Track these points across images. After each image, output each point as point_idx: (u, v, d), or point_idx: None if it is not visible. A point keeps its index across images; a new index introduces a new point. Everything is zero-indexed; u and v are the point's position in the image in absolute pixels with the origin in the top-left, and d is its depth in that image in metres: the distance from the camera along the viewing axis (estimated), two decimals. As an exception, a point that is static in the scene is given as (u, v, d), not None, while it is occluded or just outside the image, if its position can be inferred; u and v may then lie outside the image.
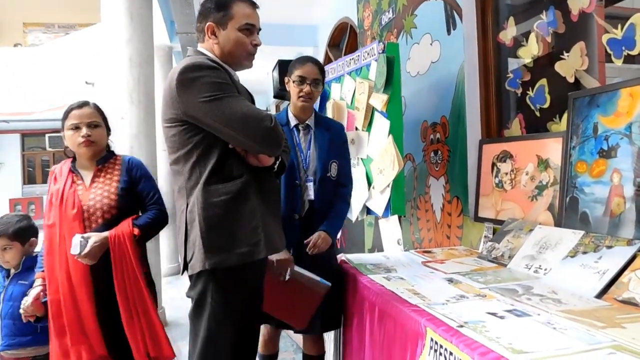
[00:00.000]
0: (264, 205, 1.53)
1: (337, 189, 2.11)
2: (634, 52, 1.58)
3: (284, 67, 6.32)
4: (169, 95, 1.45)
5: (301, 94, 2.05)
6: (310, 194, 2.03)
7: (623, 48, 1.62)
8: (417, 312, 1.27)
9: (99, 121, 1.91)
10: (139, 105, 3.21)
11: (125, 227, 1.81)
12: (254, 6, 1.61)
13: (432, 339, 1.14)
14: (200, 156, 1.46)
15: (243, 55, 1.58)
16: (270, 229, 1.52)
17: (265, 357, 2.18)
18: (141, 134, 3.31)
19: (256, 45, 1.59)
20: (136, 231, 1.81)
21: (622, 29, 1.61)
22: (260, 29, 1.62)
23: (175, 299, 4.37)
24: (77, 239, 1.72)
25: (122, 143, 3.24)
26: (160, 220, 1.94)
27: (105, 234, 1.76)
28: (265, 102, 10.06)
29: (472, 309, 1.27)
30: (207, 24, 1.55)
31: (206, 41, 1.57)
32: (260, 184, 1.53)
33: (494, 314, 1.22)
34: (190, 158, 1.46)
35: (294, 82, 2.08)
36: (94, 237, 1.74)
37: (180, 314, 3.96)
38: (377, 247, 3.24)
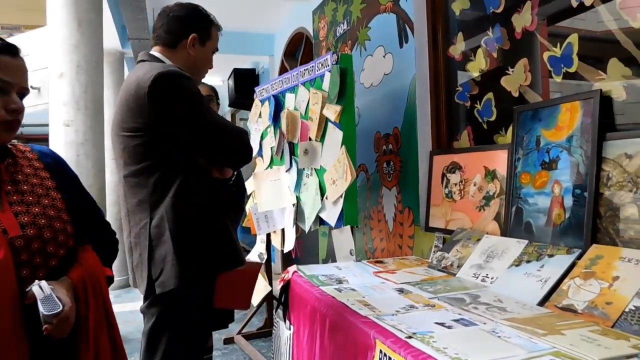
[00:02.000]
0: (229, 217, 1.54)
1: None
2: (571, 70, 1.66)
3: (239, 75, 6.30)
4: (135, 103, 1.39)
5: None
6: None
7: (562, 65, 1.69)
8: (367, 323, 1.27)
9: (27, 86, 1.11)
10: (86, 112, 3.09)
11: (93, 264, 1.12)
12: (221, 32, 1.71)
13: (381, 351, 1.14)
14: (168, 169, 1.41)
15: (203, 75, 1.67)
16: (236, 240, 1.55)
17: None
18: (88, 142, 3.18)
19: (210, 69, 1.69)
20: (109, 271, 1.19)
21: (561, 47, 1.69)
22: None
23: (124, 312, 4.20)
24: (37, 288, 0.96)
25: (69, 151, 3.10)
26: (116, 251, 1.30)
27: (66, 281, 1.04)
28: (220, 110, 9.94)
29: (421, 319, 1.28)
30: (192, 34, 1.56)
31: (179, 48, 1.57)
32: (223, 198, 1.54)
33: (442, 324, 1.24)
34: (156, 171, 1.41)
35: None
36: (57, 287, 1.00)
37: (130, 328, 3.80)
38: (331, 257, 3.24)
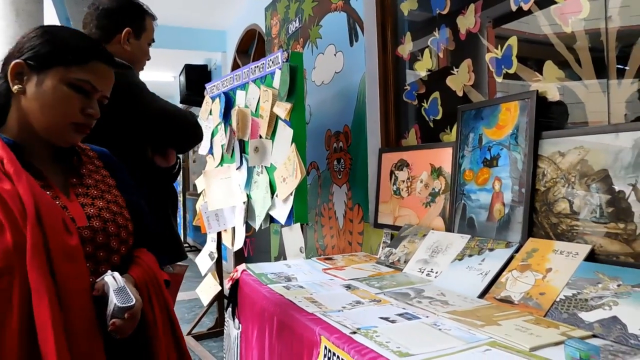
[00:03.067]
0: (170, 209, 1.57)
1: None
2: (511, 71, 1.73)
3: (191, 71, 6.17)
4: None
5: None
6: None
7: (502, 66, 1.76)
8: (313, 320, 1.27)
9: (108, 96, 1.07)
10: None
11: (153, 265, 1.05)
12: (156, 22, 1.67)
13: (325, 347, 1.14)
14: None
15: (142, 67, 1.64)
16: (176, 231, 1.60)
17: None
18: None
19: (148, 60, 1.66)
20: (166, 275, 1.12)
21: (501, 49, 1.76)
22: None
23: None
24: (110, 279, 0.90)
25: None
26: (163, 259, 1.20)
27: (130, 279, 0.99)
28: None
29: (366, 315, 1.29)
30: (126, 28, 1.52)
31: (113, 43, 1.53)
32: (166, 188, 1.56)
33: (386, 319, 1.26)
34: None
35: None
36: (126, 281, 0.94)
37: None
38: (283, 254, 3.23)
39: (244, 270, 1.92)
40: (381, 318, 1.26)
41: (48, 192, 0.93)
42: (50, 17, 4.30)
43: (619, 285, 1.16)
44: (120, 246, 1.01)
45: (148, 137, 1.45)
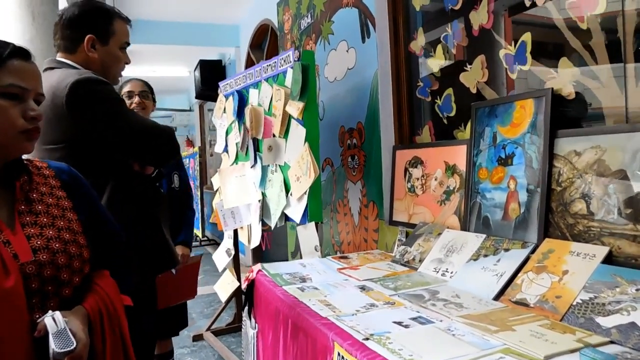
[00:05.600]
0: (159, 217, 1.58)
1: (185, 199, 2.49)
2: (525, 68, 1.69)
3: (205, 67, 6.20)
4: (53, 114, 1.34)
5: (132, 105, 2.31)
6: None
7: (516, 63, 1.73)
8: (326, 325, 1.28)
9: (42, 92, 1.02)
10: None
11: (110, 291, 1.01)
12: (130, 24, 1.61)
13: (339, 354, 1.15)
14: (97, 176, 1.38)
15: (118, 73, 1.59)
16: (169, 240, 1.62)
17: (159, 356, 2.40)
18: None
19: (127, 64, 1.61)
20: (127, 300, 1.08)
21: (515, 45, 1.72)
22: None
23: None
24: (50, 321, 0.86)
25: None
26: (134, 276, 1.19)
27: (81, 311, 0.94)
28: (188, 101, 9.77)
29: (379, 319, 1.30)
30: (88, 36, 1.48)
31: (78, 52, 1.49)
32: (155, 197, 1.60)
33: (399, 323, 1.26)
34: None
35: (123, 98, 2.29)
36: (72, 318, 0.90)
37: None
38: (300, 249, 3.24)
39: (259, 270, 1.94)
40: (395, 322, 1.26)
41: None
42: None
43: (637, 290, 1.14)
44: (73, 277, 0.95)
45: (124, 151, 1.45)
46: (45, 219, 0.96)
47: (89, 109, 1.35)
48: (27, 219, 0.94)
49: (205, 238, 7.42)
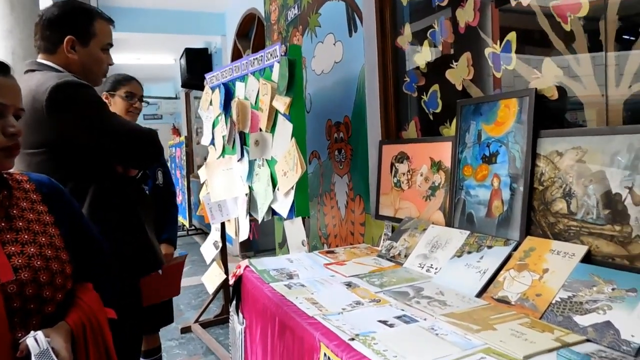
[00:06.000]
0: (142, 218, 1.59)
1: (168, 196, 2.53)
2: (510, 67, 1.71)
3: (191, 55, 6.13)
4: (32, 118, 1.33)
5: (131, 109, 2.28)
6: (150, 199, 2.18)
7: (502, 62, 1.74)
8: (313, 324, 1.30)
9: (22, 107, 1.02)
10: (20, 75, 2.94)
11: (94, 305, 1.01)
12: (113, 24, 1.59)
13: (325, 354, 1.18)
14: (80, 179, 1.39)
15: (100, 75, 1.58)
16: (153, 242, 1.62)
17: (146, 352, 2.43)
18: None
19: (110, 65, 1.59)
20: (111, 312, 1.08)
21: (500, 44, 1.74)
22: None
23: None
24: (32, 341, 0.86)
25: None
26: (118, 287, 1.20)
27: (64, 327, 0.94)
28: (173, 88, 9.66)
29: (365, 318, 1.32)
30: (67, 37, 1.46)
31: (58, 54, 1.48)
32: (139, 198, 1.61)
33: (384, 322, 1.29)
34: (67, 183, 1.37)
35: (124, 96, 2.25)
36: (55, 336, 0.91)
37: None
38: (287, 240, 3.27)
39: (247, 266, 1.95)
40: (380, 321, 1.29)
41: None
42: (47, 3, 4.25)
43: (613, 289, 1.18)
44: (55, 294, 0.95)
45: (104, 155, 1.46)
46: (26, 236, 0.95)
47: (69, 113, 1.34)
48: (8, 236, 0.93)
49: (193, 227, 7.41)
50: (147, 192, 2.28)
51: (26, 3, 2.92)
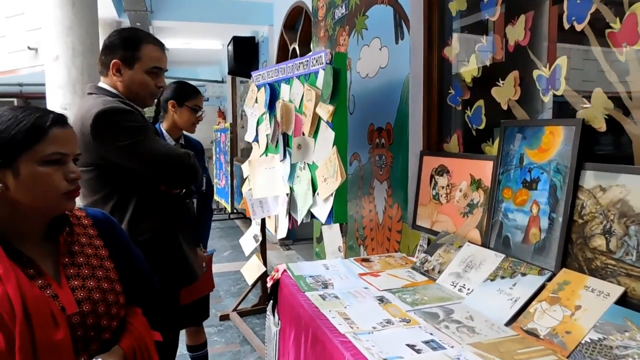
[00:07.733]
0: (181, 233, 1.69)
1: (205, 200, 2.59)
2: (558, 92, 1.68)
3: (239, 43, 6.23)
4: (82, 140, 1.45)
5: (195, 121, 2.40)
6: (194, 207, 2.31)
7: (549, 87, 1.71)
8: (344, 343, 1.36)
9: (79, 151, 1.10)
10: (84, 95, 3.10)
11: (142, 330, 1.12)
12: (163, 48, 1.67)
13: (353, 377, 1.24)
14: (123, 195, 1.51)
15: (147, 97, 1.67)
16: (188, 256, 1.71)
17: (192, 347, 2.57)
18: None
19: (161, 88, 1.67)
20: (157, 336, 1.17)
21: (550, 67, 1.70)
22: (167, 70, 1.70)
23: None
24: None
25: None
26: (164, 311, 1.33)
27: (119, 352, 1.06)
28: (220, 72, 9.83)
29: (394, 340, 1.37)
30: (113, 60, 1.58)
31: (109, 77, 1.61)
32: (178, 214, 1.69)
33: (412, 347, 1.33)
34: (110, 200, 1.52)
35: (190, 108, 2.35)
36: None
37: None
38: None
39: (284, 270, 2.04)
40: (408, 345, 1.34)
41: (39, 281, 0.97)
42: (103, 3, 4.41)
43: (645, 337, 1.18)
44: (111, 322, 1.06)
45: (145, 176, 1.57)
46: (86, 271, 1.07)
47: (108, 139, 1.46)
48: (71, 271, 1.04)
49: (235, 211, 7.60)
50: (194, 201, 2.37)
51: (86, 0, 3.06)
